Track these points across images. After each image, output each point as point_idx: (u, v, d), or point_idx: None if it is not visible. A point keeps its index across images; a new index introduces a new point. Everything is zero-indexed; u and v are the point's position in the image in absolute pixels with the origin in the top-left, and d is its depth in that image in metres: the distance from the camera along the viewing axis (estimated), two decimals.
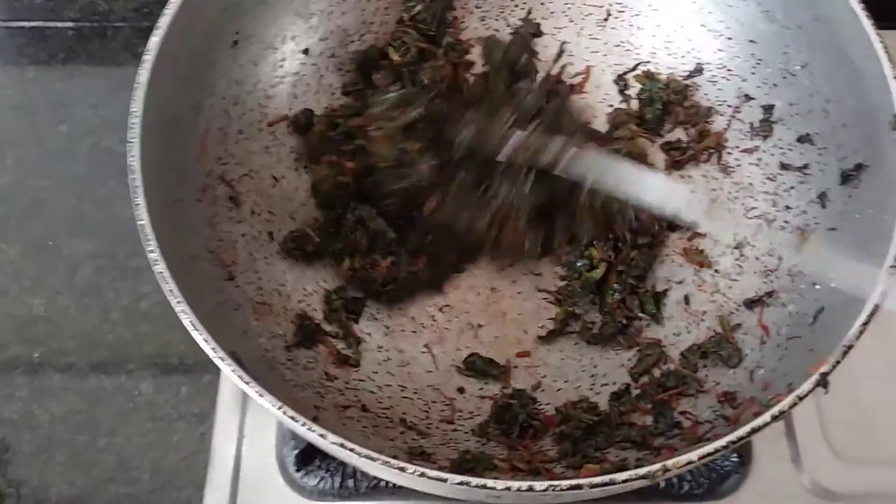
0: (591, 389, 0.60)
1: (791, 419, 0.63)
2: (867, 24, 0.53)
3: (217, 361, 0.44)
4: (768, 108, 0.63)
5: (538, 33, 0.71)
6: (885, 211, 0.50)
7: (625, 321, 0.61)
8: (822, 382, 0.45)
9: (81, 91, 0.81)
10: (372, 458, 0.42)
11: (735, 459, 0.61)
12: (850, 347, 0.46)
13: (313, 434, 0.43)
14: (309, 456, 0.61)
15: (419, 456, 0.53)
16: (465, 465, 0.53)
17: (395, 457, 0.42)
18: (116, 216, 0.73)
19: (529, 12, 0.70)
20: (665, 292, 0.63)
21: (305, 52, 0.66)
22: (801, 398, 0.44)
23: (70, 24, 0.84)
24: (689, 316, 0.62)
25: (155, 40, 0.53)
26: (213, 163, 0.60)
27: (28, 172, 0.76)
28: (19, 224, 0.74)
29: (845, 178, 0.56)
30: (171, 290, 0.46)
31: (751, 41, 0.63)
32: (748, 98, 0.64)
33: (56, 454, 0.64)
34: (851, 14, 0.54)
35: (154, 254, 0.47)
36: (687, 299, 0.62)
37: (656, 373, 0.59)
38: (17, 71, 0.81)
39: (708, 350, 0.58)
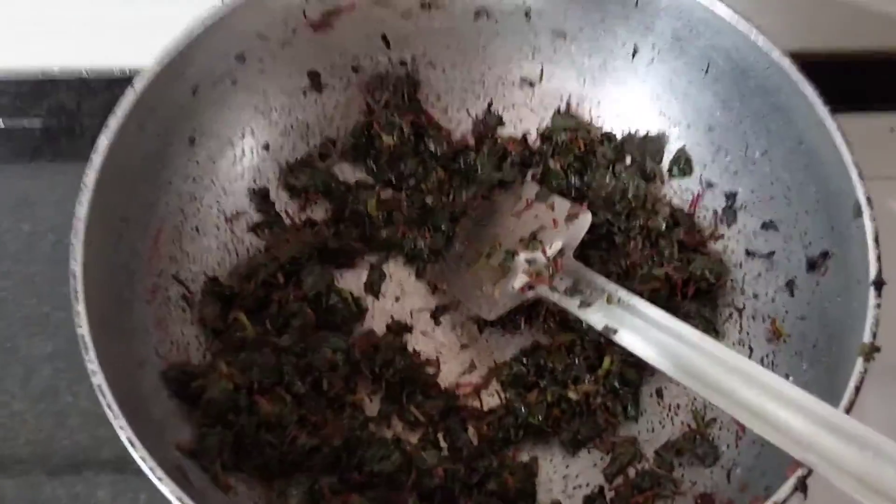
0: (564, 492, 0.57)
1: None
2: (823, 111, 0.53)
3: (155, 481, 0.42)
4: (731, 195, 0.63)
5: (500, 123, 0.71)
6: (853, 300, 0.48)
7: (604, 424, 0.59)
8: (801, 486, 0.42)
9: (45, 188, 0.79)
10: None
11: None
12: None
13: None
14: None
15: None
16: None
17: None
18: None
19: (491, 104, 0.70)
20: (639, 386, 0.61)
21: (266, 147, 0.66)
22: None
23: (37, 123, 0.84)
24: (662, 409, 0.60)
25: (103, 142, 0.52)
26: (165, 262, 0.58)
27: None
28: None
29: (811, 265, 0.55)
30: (108, 406, 0.43)
31: (709, 129, 0.64)
32: (710, 185, 0.64)
33: None
34: (807, 102, 0.54)
35: (93, 364, 0.44)
36: (660, 392, 0.60)
37: (631, 473, 0.57)
38: None
39: (683, 447, 0.56)
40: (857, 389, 0.45)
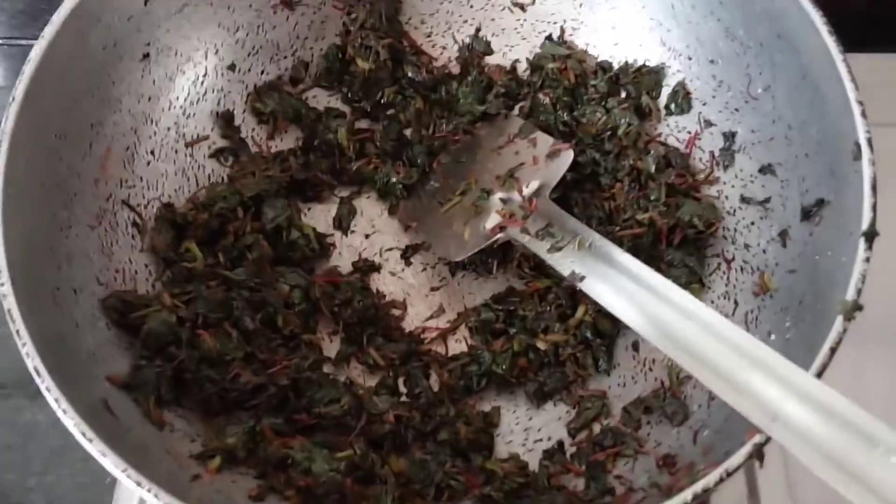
0: (524, 445, 0.54)
1: (755, 479, 0.56)
2: (830, 41, 0.47)
3: (59, 414, 0.39)
4: (730, 136, 0.57)
5: (489, 51, 0.65)
6: (843, 253, 0.43)
7: (573, 376, 0.55)
8: (758, 454, 0.38)
9: None
10: None
11: None
12: None
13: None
14: None
15: None
16: None
17: None
18: None
19: (479, 29, 0.65)
20: (614, 338, 0.56)
21: (232, 67, 0.62)
22: (728, 474, 0.38)
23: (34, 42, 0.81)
24: (636, 364, 0.56)
25: (36, 52, 0.48)
26: (114, 186, 0.55)
27: None
28: None
29: (806, 214, 0.50)
30: (17, 331, 0.41)
31: (711, 61, 0.58)
32: (709, 124, 0.58)
33: None
34: (814, 30, 0.48)
35: (4, 287, 0.42)
36: (636, 346, 0.56)
37: (596, 428, 0.53)
38: None
39: (652, 404, 0.52)
40: (833, 351, 0.40)
